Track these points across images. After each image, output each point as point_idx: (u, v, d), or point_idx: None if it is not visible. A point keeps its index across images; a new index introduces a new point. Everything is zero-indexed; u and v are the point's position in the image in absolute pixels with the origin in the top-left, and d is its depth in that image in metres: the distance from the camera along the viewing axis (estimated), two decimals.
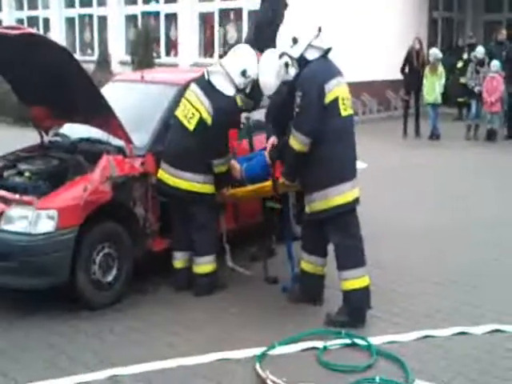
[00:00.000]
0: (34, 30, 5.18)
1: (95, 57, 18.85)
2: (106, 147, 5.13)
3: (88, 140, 5.45)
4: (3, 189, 4.85)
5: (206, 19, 17.81)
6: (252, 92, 5.17)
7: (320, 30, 4.60)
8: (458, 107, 15.56)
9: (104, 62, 17.77)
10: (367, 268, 4.64)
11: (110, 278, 4.90)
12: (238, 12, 16.84)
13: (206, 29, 17.91)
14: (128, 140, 5.07)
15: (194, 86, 5.14)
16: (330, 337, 4.34)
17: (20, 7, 22.75)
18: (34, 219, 4.52)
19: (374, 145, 11.45)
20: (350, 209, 4.58)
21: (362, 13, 15.23)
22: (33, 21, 21.94)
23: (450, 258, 6.04)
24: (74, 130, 5.64)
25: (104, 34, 19.79)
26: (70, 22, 21.34)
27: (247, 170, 5.21)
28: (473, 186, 9.08)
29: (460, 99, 14.96)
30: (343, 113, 4.55)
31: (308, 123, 4.45)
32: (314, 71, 4.52)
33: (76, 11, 21.03)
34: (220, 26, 17.38)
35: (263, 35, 5.51)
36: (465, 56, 15.10)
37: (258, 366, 3.92)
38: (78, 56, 18.48)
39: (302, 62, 4.59)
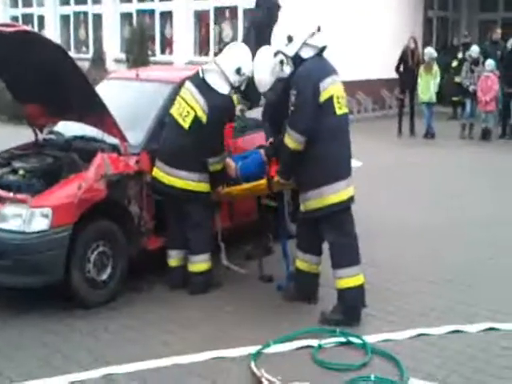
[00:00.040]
0: (28, 28, 5.16)
1: (90, 55, 18.81)
2: (100, 145, 5.12)
3: (82, 138, 5.43)
4: None
5: (201, 17, 17.79)
6: (247, 90, 5.17)
7: (319, 29, 4.59)
8: (453, 106, 15.59)
9: (99, 59, 17.72)
10: (362, 266, 4.64)
11: (104, 277, 4.89)
12: (234, 10, 16.82)
13: (201, 27, 17.88)
14: (123, 138, 5.06)
15: (188, 84, 5.13)
16: (325, 335, 4.34)
17: (15, 4, 22.69)
18: (28, 217, 4.50)
19: (369, 143, 11.47)
20: (344, 207, 4.59)
21: (358, 11, 15.24)
22: (27, 18, 21.87)
23: (444, 256, 6.05)
24: (69, 128, 5.62)
25: (99, 32, 19.75)
26: (64, 19, 21.29)
27: (242, 169, 5.21)
28: (468, 184, 9.10)
29: (455, 98, 14.98)
30: (338, 111, 4.55)
31: (303, 122, 4.45)
32: (308, 70, 4.52)
33: (71, 9, 20.98)
34: (215, 24, 17.36)
35: (263, 35, 5.50)
36: (460, 55, 15.12)
37: (252, 365, 3.92)
38: (72, 54, 18.37)
39: (297, 60, 4.59)
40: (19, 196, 4.64)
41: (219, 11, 17.30)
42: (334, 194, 4.51)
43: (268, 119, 5.23)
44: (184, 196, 5.03)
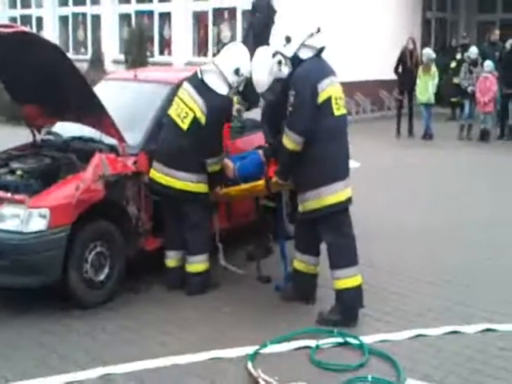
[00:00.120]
0: (26, 29, 5.17)
1: (88, 56, 18.79)
2: (98, 146, 5.11)
3: (80, 138, 5.43)
4: None
5: (199, 18, 17.79)
6: (246, 90, 5.18)
7: (319, 30, 4.60)
8: (452, 107, 15.61)
9: (97, 60, 17.72)
10: (360, 267, 4.64)
11: (102, 277, 4.88)
12: (232, 11, 16.83)
13: (199, 28, 17.89)
14: (121, 139, 5.06)
15: (186, 85, 5.13)
16: (323, 336, 4.34)
17: (13, 5, 22.67)
18: (26, 218, 4.50)
19: (368, 144, 11.47)
20: (342, 208, 4.59)
21: (356, 13, 15.26)
22: (26, 19, 21.85)
23: (442, 257, 6.05)
24: (67, 129, 5.62)
25: (97, 33, 19.74)
26: (63, 20, 21.28)
27: (240, 169, 5.21)
28: (466, 185, 9.11)
29: (453, 99, 15.01)
30: (336, 112, 4.56)
31: (301, 122, 4.45)
32: (307, 70, 4.52)
33: (69, 10, 20.97)
34: (214, 25, 17.37)
35: (262, 36, 5.50)
36: (458, 56, 15.15)
37: (250, 365, 3.92)
38: (71, 55, 18.43)
39: (295, 61, 4.59)
40: (17, 196, 4.64)
41: (218, 12, 17.31)
42: (331, 194, 4.51)
43: (267, 120, 5.23)
44: (182, 197, 5.03)
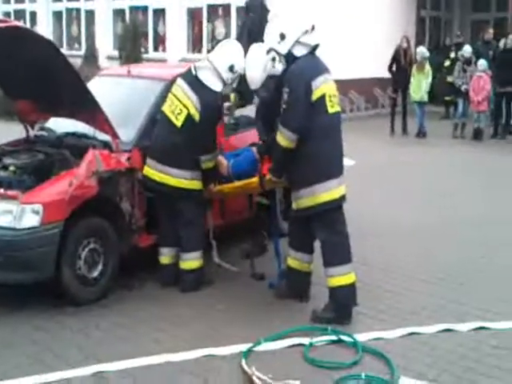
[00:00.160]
0: (19, 23, 5.14)
1: (82, 51, 18.74)
2: (92, 142, 5.09)
3: (74, 134, 5.41)
4: None
5: (194, 15, 17.76)
6: (240, 87, 5.16)
7: (313, 27, 4.58)
8: (445, 106, 15.63)
9: (91, 56, 17.67)
10: (353, 265, 4.64)
11: (95, 274, 4.87)
12: (227, 8, 16.80)
13: (194, 24, 17.85)
14: (114, 135, 5.04)
15: (180, 81, 5.11)
16: (316, 333, 4.34)
17: (7, 0, 22.55)
18: (19, 214, 4.48)
19: (362, 142, 11.48)
20: (336, 206, 4.59)
21: (350, 10, 15.25)
22: (20, 14, 21.75)
23: (436, 255, 6.06)
24: (60, 125, 5.59)
25: (91, 29, 19.68)
26: (57, 15, 21.20)
27: (234, 166, 5.20)
28: (459, 184, 9.12)
29: (447, 98, 15.03)
30: (330, 110, 4.55)
31: (295, 120, 4.44)
32: (301, 68, 4.51)
33: (63, 5, 20.88)
34: (208, 21, 17.35)
35: (256, 34, 5.48)
36: (452, 55, 15.17)
37: (243, 363, 3.92)
38: (65, 50, 18.34)
39: (289, 58, 4.58)
40: (10, 192, 4.61)
41: (212, 9, 17.29)
42: (325, 192, 4.51)
43: (261, 117, 5.22)
44: (176, 194, 5.02)
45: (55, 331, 4.42)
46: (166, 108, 5.09)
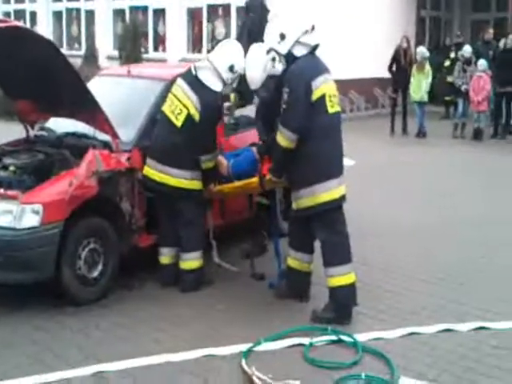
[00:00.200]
0: (20, 23, 5.14)
1: (82, 51, 18.74)
2: (92, 142, 5.09)
3: (74, 134, 5.41)
4: None
5: (194, 15, 17.75)
6: (240, 87, 5.16)
7: (313, 28, 4.58)
8: (445, 106, 15.63)
9: (91, 56, 17.66)
10: (353, 265, 4.64)
11: (95, 274, 4.86)
12: (227, 8, 16.80)
13: (194, 24, 17.85)
14: (114, 135, 5.04)
15: (180, 81, 5.11)
16: (316, 333, 4.33)
17: (7, 0, 22.54)
18: (19, 214, 4.47)
19: (362, 142, 11.48)
20: (336, 206, 4.58)
21: (351, 10, 15.25)
22: (20, 14, 21.75)
23: (436, 255, 6.06)
24: (60, 125, 5.59)
25: (91, 29, 19.68)
26: (57, 15, 21.19)
27: (234, 166, 5.20)
28: (459, 184, 9.12)
29: (447, 98, 15.03)
30: (330, 110, 4.55)
31: (295, 120, 4.44)
32: (301, 68, 4.51)
33: (63, 5, 20.88)
34: (208, 21, 17.34)
35: (256, 34, 5.48)
36: (452, 55, 15.17)
37: (243, 363, 3.92)
38: (65, 50, 18.35)
39: (289, 58, 4.58)
40: (10, 192, 4.61)
41: (212, 9, 17.29)
42: (325, 192, 4.51)
43: (261, 117, 5.22)
44: (176, 194, 5.02)
45: (55, 331, 4.42)
46: (165, 108, 5.09)
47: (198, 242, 5.12)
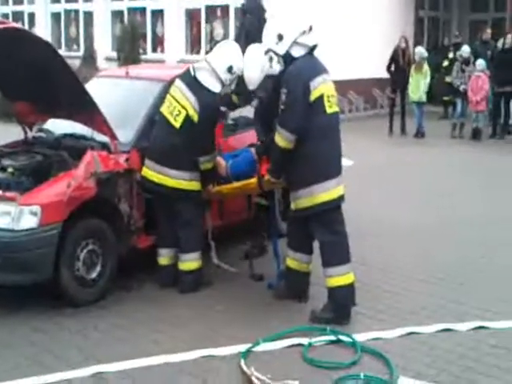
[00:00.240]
0: (18, 25, 5.13)
1: (81, 52, 18.72)
2: (90, 143, 5.09)
3: (72, 136, 5.40)
4: None
5: (192, 16, 17.76)
6: (238, 88, 5.16)
7: (311, 28, 4.59)
8: (444, 106, 15.64)
9: (90, 57, 17.64)
10: (352, 265, 4.64)
11: (94, 275, 4.86)
12: (225, 9, 16.81)
13: (192, 25, 17.86)
14: (113, 136, 5.04)
15: (178, 82, 5.11)
16: (315, 333, 4.34)
17: (5, 2, 22.55)
18: (17, 215, 4.47)
19: (360, 142, 11.49)
20: (334, 206, 4.59)
21: (349, 10, 15.26)
22: (18, 16, 21.73)
23: (435, 255, 6.06)
24: (58, 126, 5.59)
25: (90, 30, 19.66)
26: (55, 17, 21.20)
27: (233, 167, 5.20)
28: (458, 184, 9.13)
29: (445, 98, 15.05)
30: (328, 110, 4.55)
31: (293, 120, 4.44)
32: (299, 68, 4.51)
33: (62, 6, 20.88)
34: (207, 22, 17.35)
35: (254, 35, 5.48)
36: (450, 55, 15.19)
37: (242, 363, 3.91)
38: (63, 52, 18.36)
39: (287, 58, 4.58)
40: (8, 194, 4.61)
41: (210, 10, 17.29)
42: (324, 192, 4.51)
43: (259, 118, 5.22)
44: (175, 195, 5.02)
45: (54, 332, 4.41)
46: (164, 109, 5.09)
47: (196, 242, 5.12)
